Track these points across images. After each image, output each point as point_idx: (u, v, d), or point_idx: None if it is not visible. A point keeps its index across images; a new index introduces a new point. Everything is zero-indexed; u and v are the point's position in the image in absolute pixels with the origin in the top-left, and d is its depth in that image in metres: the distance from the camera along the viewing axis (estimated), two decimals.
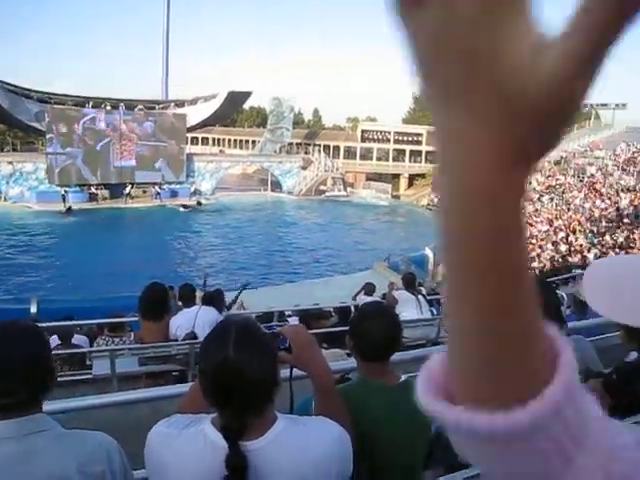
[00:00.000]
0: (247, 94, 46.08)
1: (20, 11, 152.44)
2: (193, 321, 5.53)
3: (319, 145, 53.98)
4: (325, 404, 1.76)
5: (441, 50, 0.32)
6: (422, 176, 53.00)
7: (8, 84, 36.79)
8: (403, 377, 2.19)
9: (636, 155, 35.47)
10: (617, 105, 50.30)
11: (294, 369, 1.87)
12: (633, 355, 2.36)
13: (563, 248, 25.04)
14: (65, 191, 36.54)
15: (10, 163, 36.19)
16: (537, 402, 0.38)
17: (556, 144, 0.34)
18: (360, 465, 1.61)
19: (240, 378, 1.37)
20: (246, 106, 61.35)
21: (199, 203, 39.48)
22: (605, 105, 51.00)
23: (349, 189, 49.29)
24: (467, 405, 0.40)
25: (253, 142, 56.96)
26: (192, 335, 5.42)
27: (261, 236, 31.89)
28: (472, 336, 0.40)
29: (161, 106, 43.64)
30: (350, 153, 57.06)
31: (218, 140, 64.40)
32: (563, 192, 32.98)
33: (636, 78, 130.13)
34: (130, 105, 40.77)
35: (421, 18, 0.32)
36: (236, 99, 45.27)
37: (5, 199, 36.12)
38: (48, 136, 36.15)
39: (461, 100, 0.33)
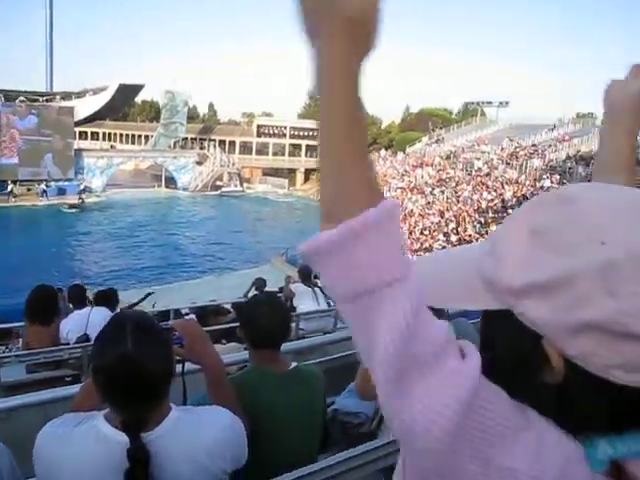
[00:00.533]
0: (139, 87, 44.86)
1: None
2: (85, 323, 5.34)
3: (214, 140, 53.30)
4: (217, 394, 1.82)
5: None
6: (318, 170, 53.64)
7: None
8: (293, 364, 2.28)
9: (518, 150, 37.67)
10: (501, 103, 53.20)
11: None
12: None
13: (454, 238, 26.23)
14: None
15: None
16: (355, 219, 0.57)
17: (375, 41, 0.61)
18: (255, 450, 1.68)
19: (139, 372, 1.38)
20: (138, 100, 59.61)
21: (82, 200, 37.77)
22: (490, 103, 54.07)
23: (245, 184, 49.12)
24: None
25: (146, 137, 55.29)
26: (84, 338, 5.23)
27: (155, 233, 31.17)
28: (331, 151, 0.63)
29: (45, 98, 41.53)
30: (246, 148, 56.78)
31: (109, 135, 61.89)
32: (457, 184, 34.44)
33: (517, 79, 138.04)
34: (10, 96, 38.50)
35: None
36: (127, 92, 43.97)
37: None
38: None
39: (323, 24, 0.58)
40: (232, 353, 3.97)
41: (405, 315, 0.56)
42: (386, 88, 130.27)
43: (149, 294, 11.23)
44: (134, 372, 1.38)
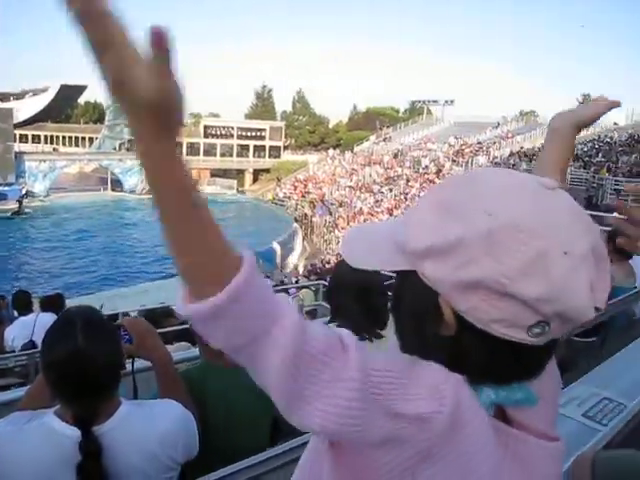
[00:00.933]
0: (82, 88, 44.00)
1: None
2: (32, 329, 5.24)
3: None
4: (167, 388, 1.84)
5: (109, 83, 0.56)
6: (267, 171, 53.58)
7: None
8: None
9: (464, 147, 38.49)
10: (446, 102, 54.11)
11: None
12: None
13: None
14: None
15: None
16: (222, 291, 0.60)
17: (179, 124, 0.62)
18: (205, 441, 1.70)
19: (92, 366, 1.41)
20: (81, 100, 58.28)
21: (20, 206, 36.56)
22: (436, 102, 54.93)
23: None
24: (193, 301, 0.63)
25: (90, 139, 54.12)
26: (30, 345, 5.13)
27: (101, 238, 30.55)
28: (171, 242, 0.64)
29: None
30: (193, 149, 56.15)
31: (51, 137, 60.27)
32: (408, 182, 34.91)
33: (461, 77, 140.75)
34: None
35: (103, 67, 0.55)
36: (70, 93, 43.13)
37: None
38: None
39: (125, 109, 0.57)
40: (178, 350, 3.96)
41: (285, 354, 0.62)
42: (333, 88, 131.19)
43: (101, 306, 11.01)
44: (84, 367, 1.40)
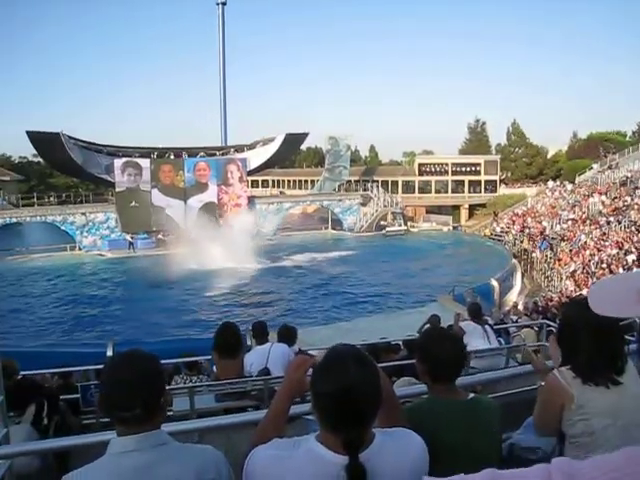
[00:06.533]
0: (304, 135, 47.03)
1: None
2: (266, 357, 5.72)
3: (377, 181, 54.26)
4: (390, 417, 1.93)
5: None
6: (482, 206, 52.41)
7: (82, 141, 39.09)
8: (471, 395, 2.33)
9: None
10: None
11: None
12: None
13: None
14: (132, 237, 38.32)
15: (83, 214, 38.51)
16: None
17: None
18: (431, 473, 1.76)
19: (362, 398, 1.57)
20: (304, 147, 62.49)
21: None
22: None
23: (409, 223, 49.20)
24: None
25: (312, 182, 57.78)
26: (266, 371, 5.60)
27: (325, 275, 31.91)
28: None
29: (221, 152, 45.02)
30: (408, 187, 57.10)
31: (278, 182, 65.56)
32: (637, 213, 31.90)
33: None
34: (192, 153, 42.29)
35: None
36: (293, 141, 46.27)
37: (80, 248, 38.21)
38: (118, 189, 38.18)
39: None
40: (404, 385, 4.06)
41: None
42: (549, 116, 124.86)
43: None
44: (356, 399, 1.56)
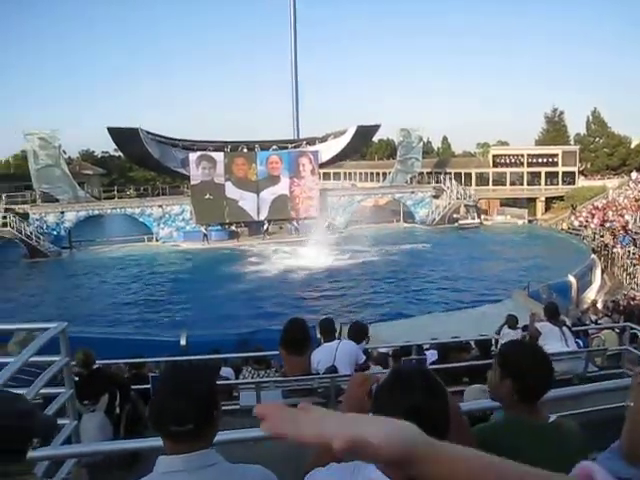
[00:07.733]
0: (375, 127, 46.63)
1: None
2: (333, 355, 5.67)
3: (450, 173, 53.20)
4: (458, 437, 1.82)
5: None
6: (560, 198, 50.60)
7: (159, 136, 40.30)
8: (552, 417, 2.16)
9: None
10: None
11: None
12: None
13: None
14: (206, 229, 39.26)
15: (160, 206, 39.98)
16: None
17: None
18: None
19: (429, 421, 1.45)
20: (375, 138, 62.10)
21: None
22: None
23: (483, 216, 48.12)
24: None
25: (384, 174, 57.32)
26: (333, 369, 5.56)
27: (397, 268, 31.60)
28: None
29: (293, 145, 45.30)
30: (482, 179, 55.80)
31: (349, 174, 65.49)
32: None
33: None
34: (265, 146, 42.77)
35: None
36: (365, 133, 45.98)
37: (156, 239, 39.71)
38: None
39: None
40: (476, 398, 3.87)
41: None
42: (635, 104, 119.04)
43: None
44: (422, 422, 1.45)
